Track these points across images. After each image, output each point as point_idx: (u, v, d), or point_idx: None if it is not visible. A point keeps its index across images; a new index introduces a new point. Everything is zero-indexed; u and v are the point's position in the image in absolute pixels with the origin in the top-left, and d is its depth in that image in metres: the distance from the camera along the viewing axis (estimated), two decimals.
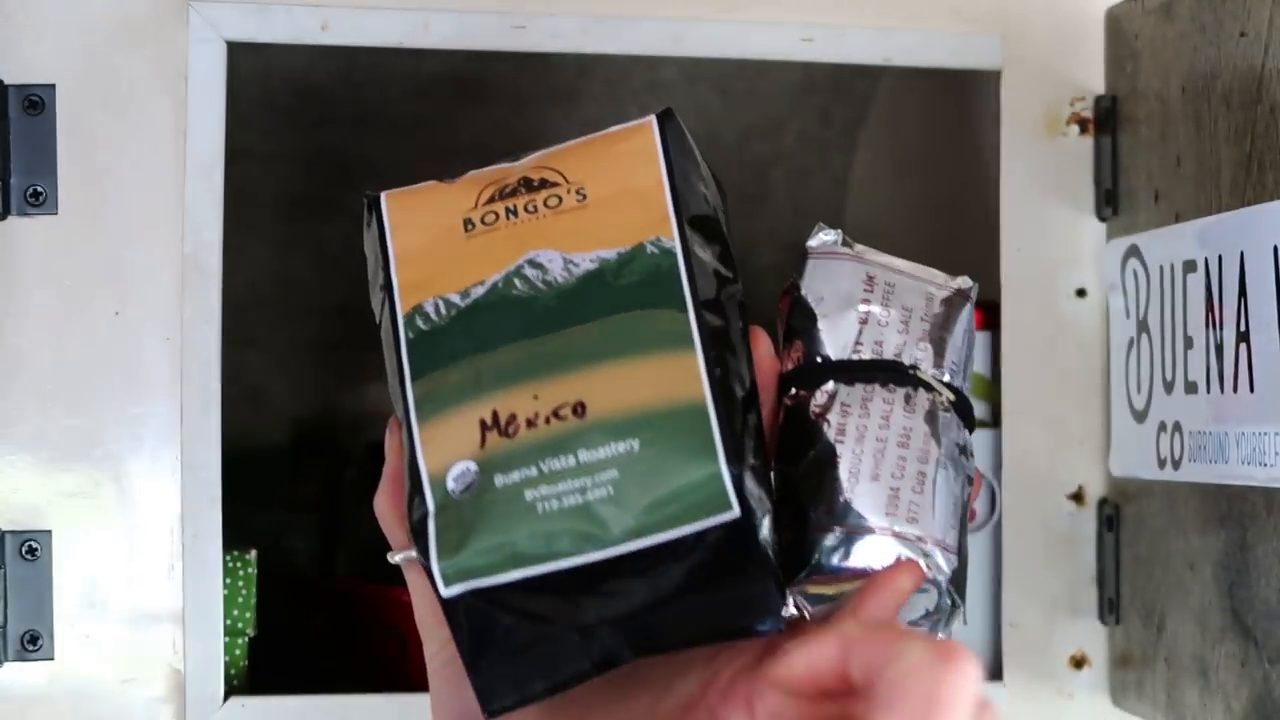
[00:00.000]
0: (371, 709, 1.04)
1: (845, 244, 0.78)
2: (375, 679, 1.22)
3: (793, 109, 1.61)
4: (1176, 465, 0.98)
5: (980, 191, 1.15)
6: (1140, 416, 1.03)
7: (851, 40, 1.08)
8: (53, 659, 0.98)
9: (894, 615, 0.71)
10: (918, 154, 1.48)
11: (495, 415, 0.68)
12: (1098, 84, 1.10)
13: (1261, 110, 0.92)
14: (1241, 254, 0.92)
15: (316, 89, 1.55)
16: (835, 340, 0.76)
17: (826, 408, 0.75)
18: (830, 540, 0.73)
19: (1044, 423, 1.09)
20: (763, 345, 0.74)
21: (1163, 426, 1.00)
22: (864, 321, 0.76)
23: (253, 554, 1.09)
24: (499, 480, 0.67)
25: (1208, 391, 0.95)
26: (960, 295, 0.78)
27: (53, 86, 0.98)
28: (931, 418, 0.75)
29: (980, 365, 1.13)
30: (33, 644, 0.97)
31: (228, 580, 1.06)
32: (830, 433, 0.74)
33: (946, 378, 0.77)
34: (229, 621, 1.06)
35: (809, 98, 1.61)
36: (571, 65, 1.56)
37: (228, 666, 1.05)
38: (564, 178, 0.74)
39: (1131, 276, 1.05)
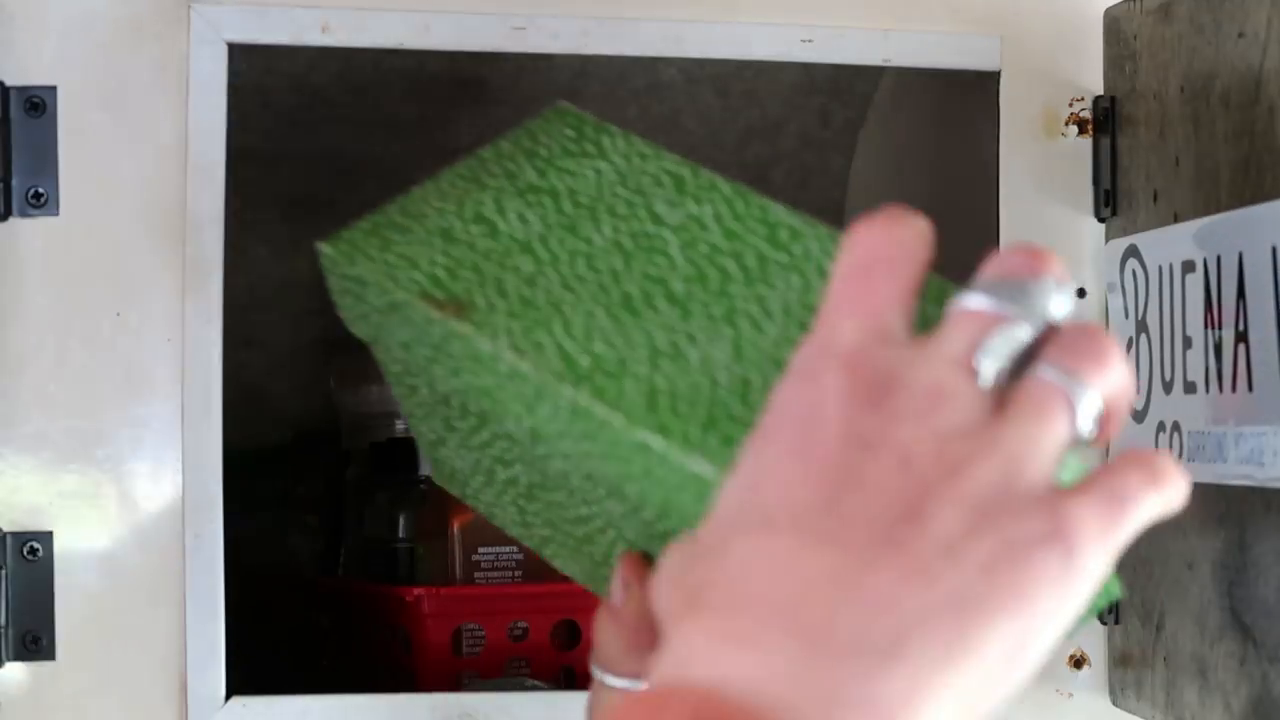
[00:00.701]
0: (371, 709, 1.04)
1: None
2: (375, 679, 1.22)
3: (792, 110, 1.62)
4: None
5: (979, 192, 1.15)
6: (1139, 416, 1.03)
7: (851, 41, 1.08)
8: (54, 659, 0.98)
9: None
10: (918, 154, 1.49)
11: None
12: (1096, 85, 1.10)
13: (1260, 111, 0.92)
14: (1240, 254, 0.92)
15: (317, 90, 1.56)
16: None
17: None
18: None
19: None
20: None
21: (1161, 426, 1.00)
22: None
23: None
24: None
25: (1206, 391, 0.95)
26: None
27: (54, 88, 0.98)
28: None
29: None
30: (34, 644, 0.97)
31: None
32: None
33: None
34: None
35: (809, 98, 1.61)
36: (571, 66, 1.57)
37: None
38: None
39: (1130, 277, 1.05)
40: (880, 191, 1.54)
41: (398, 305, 0.66)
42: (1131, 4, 1.07)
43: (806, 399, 0.50)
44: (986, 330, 0.51)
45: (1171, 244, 1.00)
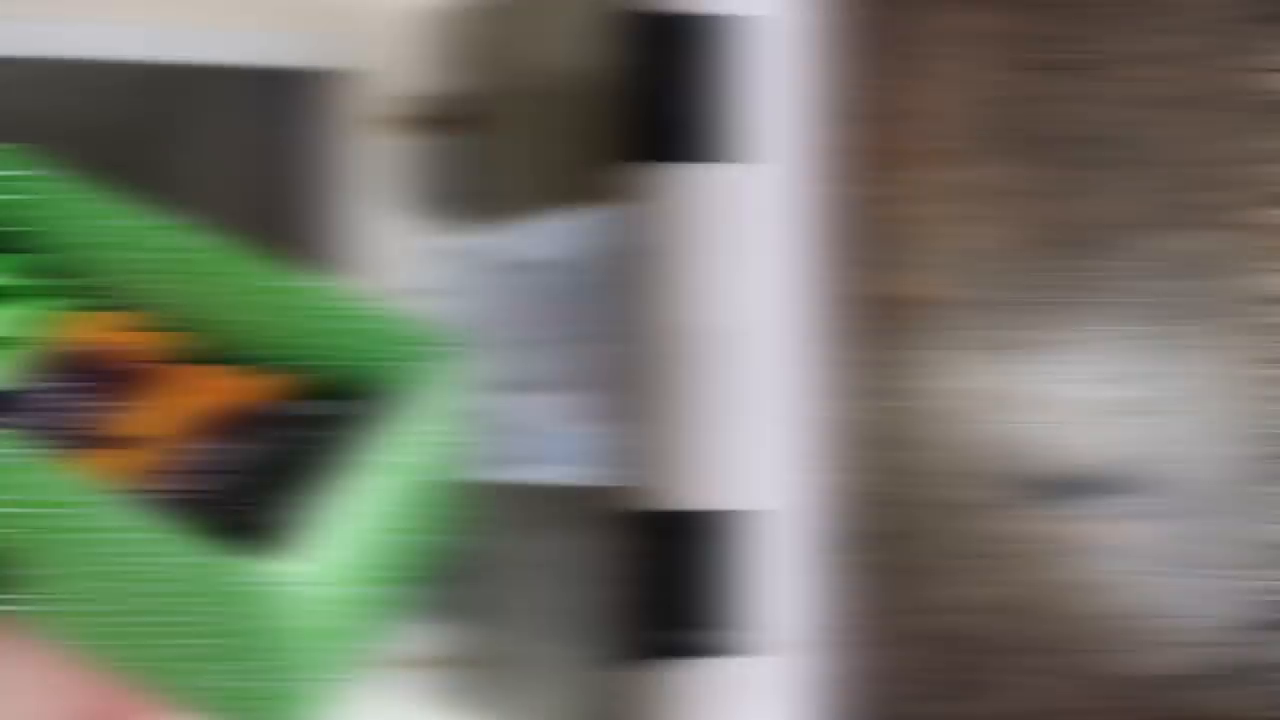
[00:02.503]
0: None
1: None
2: None
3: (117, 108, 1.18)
4: (508, 464, 1.00)
5: (308, 194, 1.05)
6: (476, 417, 1.00)
7: (174, 40, 1.02)
8: None
9: None
10: (246, 156, 1.15)
11: None
12: (435, 84, 1.06)
13: (592, 110, 0.93)
14: (572, 258, 0.95)
15: None
16: None
17: None
18: None
19: None
20: None
21: (496, 427, 1.00)
22: None
23: None
24: None
25: (539, 392, 0.96)
26: None
27: None
28: None
29: None
30: None
31: None
32: None
33: None
34: None
35: (130, 98, 1.19)
36: None
37: None
38: None
39: (467, 278, 1.03)
40: (206, 195, 1.18)
41: None
42: (464, 5, 1.04)
43: None
44: None
45: (509, 245, 1.00)
